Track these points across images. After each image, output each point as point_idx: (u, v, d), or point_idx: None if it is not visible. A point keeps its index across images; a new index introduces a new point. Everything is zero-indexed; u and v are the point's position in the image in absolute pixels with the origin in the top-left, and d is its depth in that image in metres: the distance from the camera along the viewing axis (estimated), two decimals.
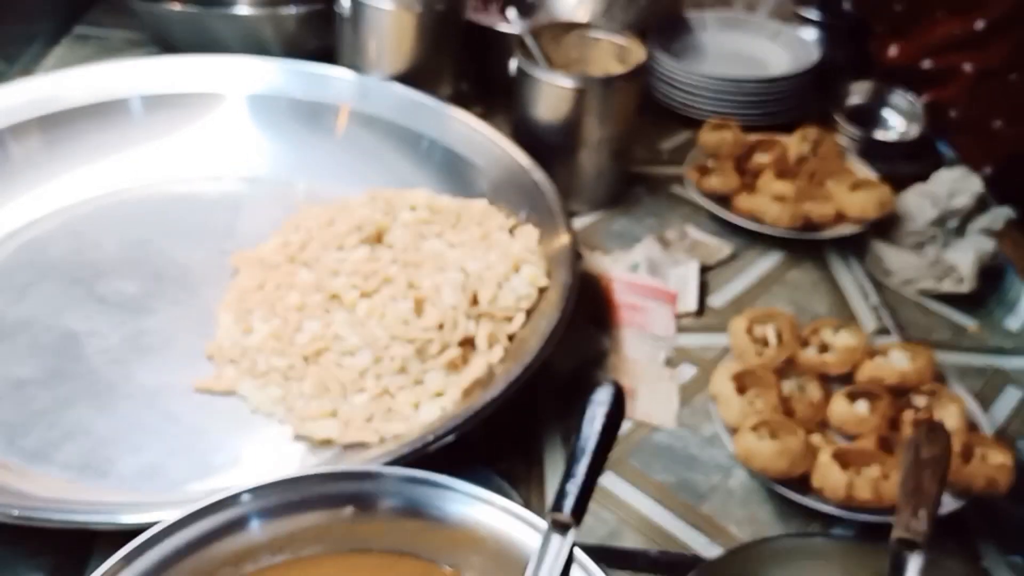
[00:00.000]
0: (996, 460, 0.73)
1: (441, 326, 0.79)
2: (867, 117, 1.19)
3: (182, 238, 0.95)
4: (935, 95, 1.19)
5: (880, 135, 1.17)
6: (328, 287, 0.81)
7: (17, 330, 0.84)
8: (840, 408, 0.78)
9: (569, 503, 0.57)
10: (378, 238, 0.89)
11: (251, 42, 1.18)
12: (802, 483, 0.73)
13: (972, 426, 0.79)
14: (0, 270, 0.90)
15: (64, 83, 1.02)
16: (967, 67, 1.22)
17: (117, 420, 0.76)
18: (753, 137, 1.10)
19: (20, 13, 1.30)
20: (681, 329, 0.91)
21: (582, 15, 1.32)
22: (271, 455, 0.75)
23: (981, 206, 1.01)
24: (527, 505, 0.72)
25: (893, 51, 1.28)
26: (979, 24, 1.19)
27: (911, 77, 1.21)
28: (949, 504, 0.73)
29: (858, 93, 1.21)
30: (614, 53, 1.06)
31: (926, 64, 1.25)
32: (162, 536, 0.55)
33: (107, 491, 0.71)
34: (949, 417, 0.78)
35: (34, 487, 0.69)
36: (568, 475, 0.58)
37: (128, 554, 0.54)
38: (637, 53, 1.02)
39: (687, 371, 0.87)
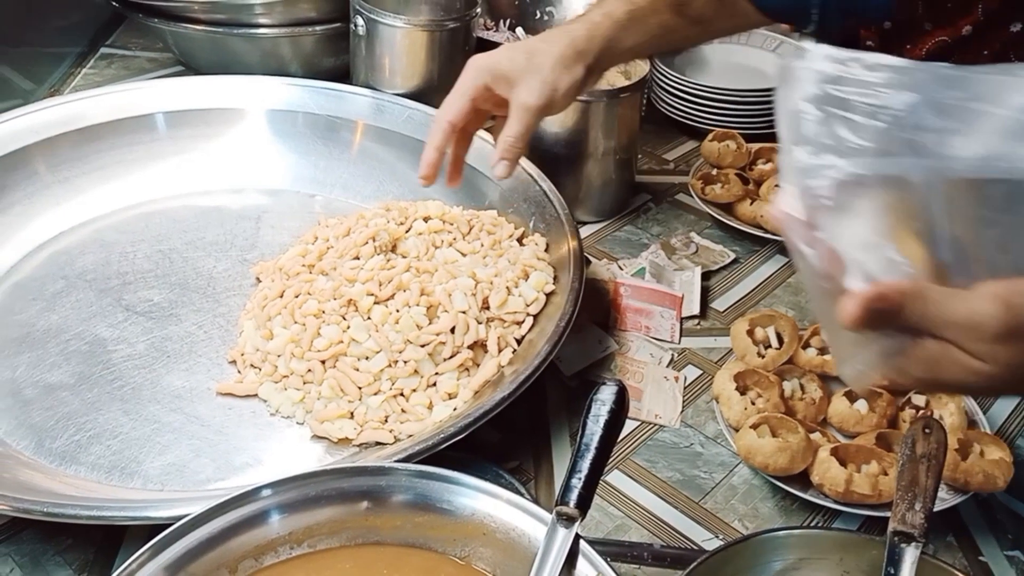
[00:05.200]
0: (994, 456, 0.75)
1: (453, 330, 0.82)
2: None
3: (206, 249, 0.99)
4: None
5: None
6: (345, 294, 0.84)
7: (48, 337, 0.87)
8: (840, 407, 0.80)
9: (574, 496, 0.59)
10: (393, 247, 0.92)
11: (271, 61, 1.22)
12: (803, 479, 0.76)
13: (971, 423, 0.81)
14: (31, 280, 0.94)
15: (91, 101, 1.07)
16: None
17: (143, 423, 0.80)
18: (755, 146, 1.13)
19: (48, 35, 1.35)
20: (685, 332, 0.93)
21: None
22: (290, 455, 0.78)
23: None
24: (536, 501, 0.75)
25: None
26: (967, 29, 1.20)
27: None
28: (949, 499, 0.74)
29: None
30: (619, 67, 1.09)
31: None
32: (186, 529, 0.58)
33: (133, 491, 0.74)
34: (947, 415, 0.79)
35: (63, 487, 0.72)
36: (573, 470, 0.61)
37: (154, 546, 0.56)
38: (640, 66, 1.05)
39: (691, 372, 0.89)
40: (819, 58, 0.52)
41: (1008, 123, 0.48)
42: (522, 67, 0.79)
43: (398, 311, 0.83)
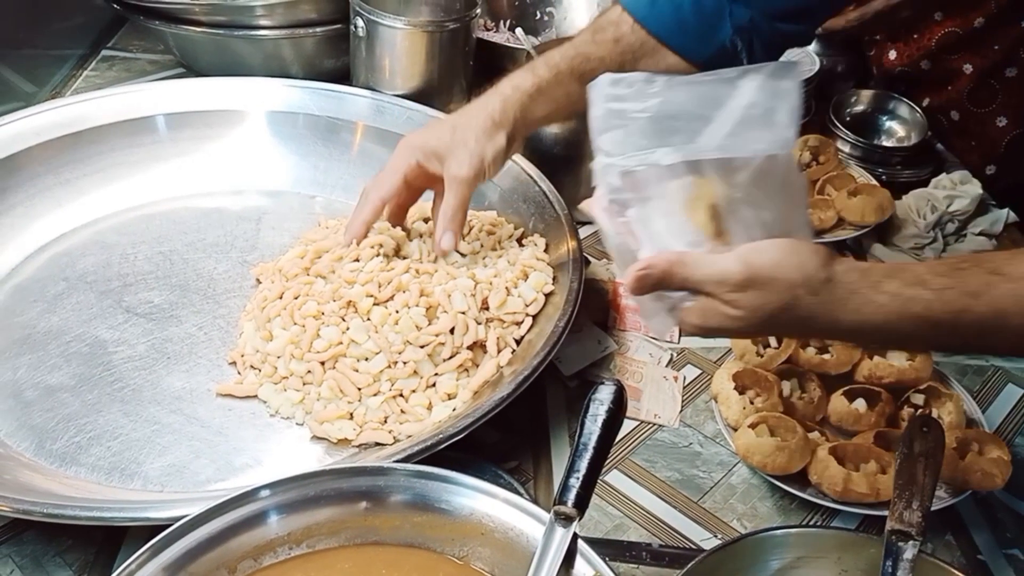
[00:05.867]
0: (992, 455, 0.75)
1: (452, 331, 0.82)
2: (868, 124, 1.21)
3: (206, 250, 0.99)
4: (936, 98, 1.20)
5: (880, 141, 1.19)
6: (344, 296, 0.84)
7: (48, 339, 0.87)
8: (839, 406, 0.80)
9: (572, 496, 0.59)
10: (396, 250, 0.91)
11: (272, 62, 1.22)
12: (801, 478, 0.76)
13: (970, 422, 0.81)
14: (32, 282, 0.94)
15: (92, 103, 1.07)
16: (967, 68, 1.23)
17: (143, 424, 0.80)
18: None
19: (50, 38, 1.35)
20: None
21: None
22: (290, 456, 0.78)
23: (980, 209, 1.03)
24: (535, 501, 0.75)
25: (892, 55, 1.29)
26: (979, 21, 1.20)
27: (910, 80, 1.22)
28: (947, 498, 0.74)
29: (858, 101, 1.23)
30: None
31: (925, 65, 1.26)
32: (185, 529, 0.58)
33: (134, 492, 0.75)
34: (946, 413, 0.80)
35: (64, 488, 0.73)
36: (571, 470, 0.61)
37: (153, 546, 0.57)
38: None
39: (690, 372, 0.89)
40: (602, 83, 0.65)
41: (738, 115, 0.62)
42: (448, 142, 0.84)
43: (397, 312, 0.83)
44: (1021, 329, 0.56)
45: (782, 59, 0.67)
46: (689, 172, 0.62)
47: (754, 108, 0.63)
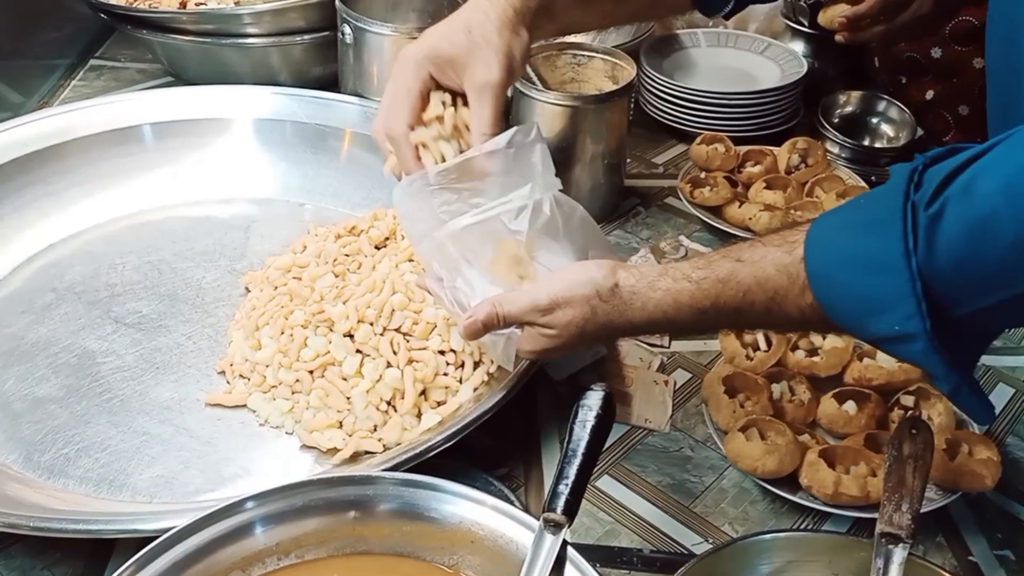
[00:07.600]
0: (982, 456, 0.75)
1: (443, 352, 0.81)
2: (856, 125, 1.21)
3: (195, 259, 0.99)
4: (942, 90, 1.18)
5: (869, 142, 1.19)
6: (327, 313, 0.83)
7: (36, 351, 0.87)
8: (829, 408, 0.80)
9: (561, 503, 0.59)
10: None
11: (260, 71, 1.22)
12: (792, 481, 0.76)
13: (960, 423, 0.81)
14: (20, 293, 0.94)
15: (79, 113, 1.07)
16: (977, 63, 1.21)
17: (132, 435, 0.80)
18: (744, 149, 1.13)
19: (38, 48, 1.35)
20: (675, 336, 0.93)
21: (575, 36, 1.35)
22: (280, 465, 0.78)
23: None
24: (527, 507, 0.75)
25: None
26: None
27: (917, 68, 1.20)
28: (938, 500, 0.74)
29: (848, 102, 1.23)
30: (606, 71, 1.09)
31: (935, 53, 1.23)
32: (173, 541, 0.58)
33: (122, 503, 0.74)
34: (935, 415, 0.79)
35: (52, 500, 0.72)
36: (560, 476, 0.61)
37: (140, 559, 0.57)
38: (628, 71, 1.05)
39: (681, 376, 0.89)
40: (398, 195, 0.75)
41: (500, 181, 0.73)
42: (466, 45, 0.73)
43: (384, 328, 0.82)
44: (765, 305, 0.62)
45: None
46: (489, 238, 0.73)
47: (511, 173, 0.73)
